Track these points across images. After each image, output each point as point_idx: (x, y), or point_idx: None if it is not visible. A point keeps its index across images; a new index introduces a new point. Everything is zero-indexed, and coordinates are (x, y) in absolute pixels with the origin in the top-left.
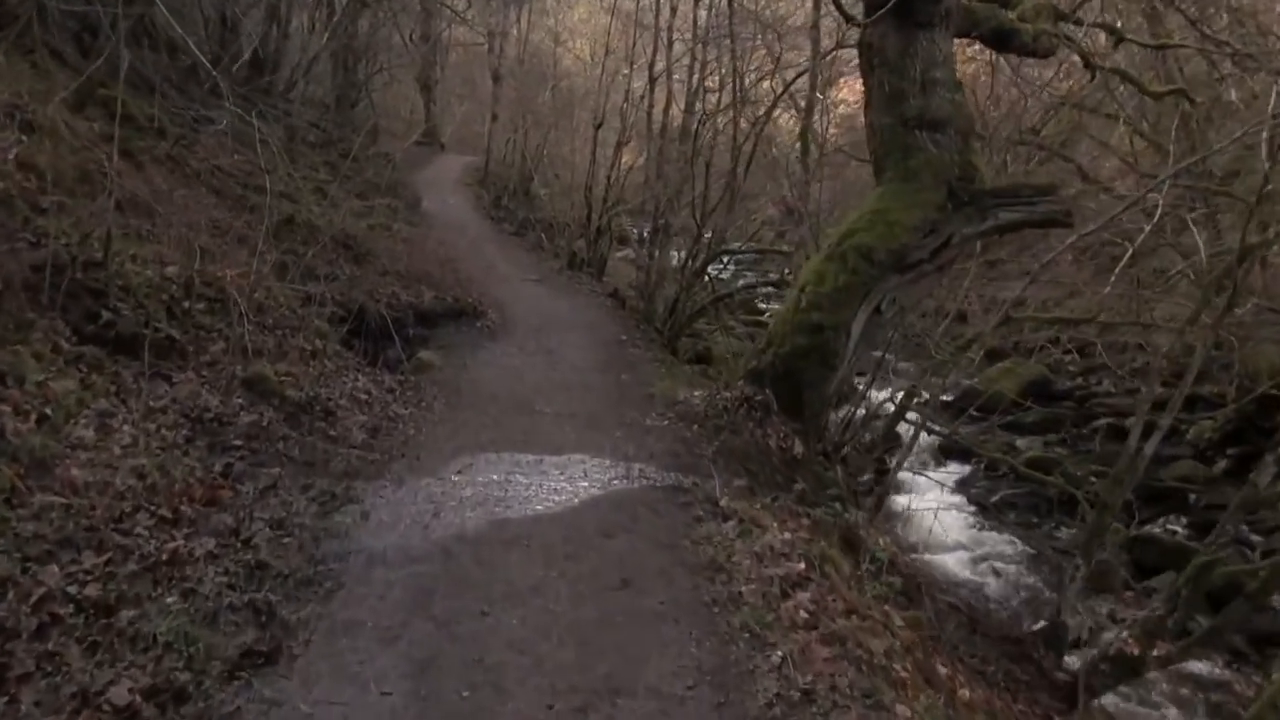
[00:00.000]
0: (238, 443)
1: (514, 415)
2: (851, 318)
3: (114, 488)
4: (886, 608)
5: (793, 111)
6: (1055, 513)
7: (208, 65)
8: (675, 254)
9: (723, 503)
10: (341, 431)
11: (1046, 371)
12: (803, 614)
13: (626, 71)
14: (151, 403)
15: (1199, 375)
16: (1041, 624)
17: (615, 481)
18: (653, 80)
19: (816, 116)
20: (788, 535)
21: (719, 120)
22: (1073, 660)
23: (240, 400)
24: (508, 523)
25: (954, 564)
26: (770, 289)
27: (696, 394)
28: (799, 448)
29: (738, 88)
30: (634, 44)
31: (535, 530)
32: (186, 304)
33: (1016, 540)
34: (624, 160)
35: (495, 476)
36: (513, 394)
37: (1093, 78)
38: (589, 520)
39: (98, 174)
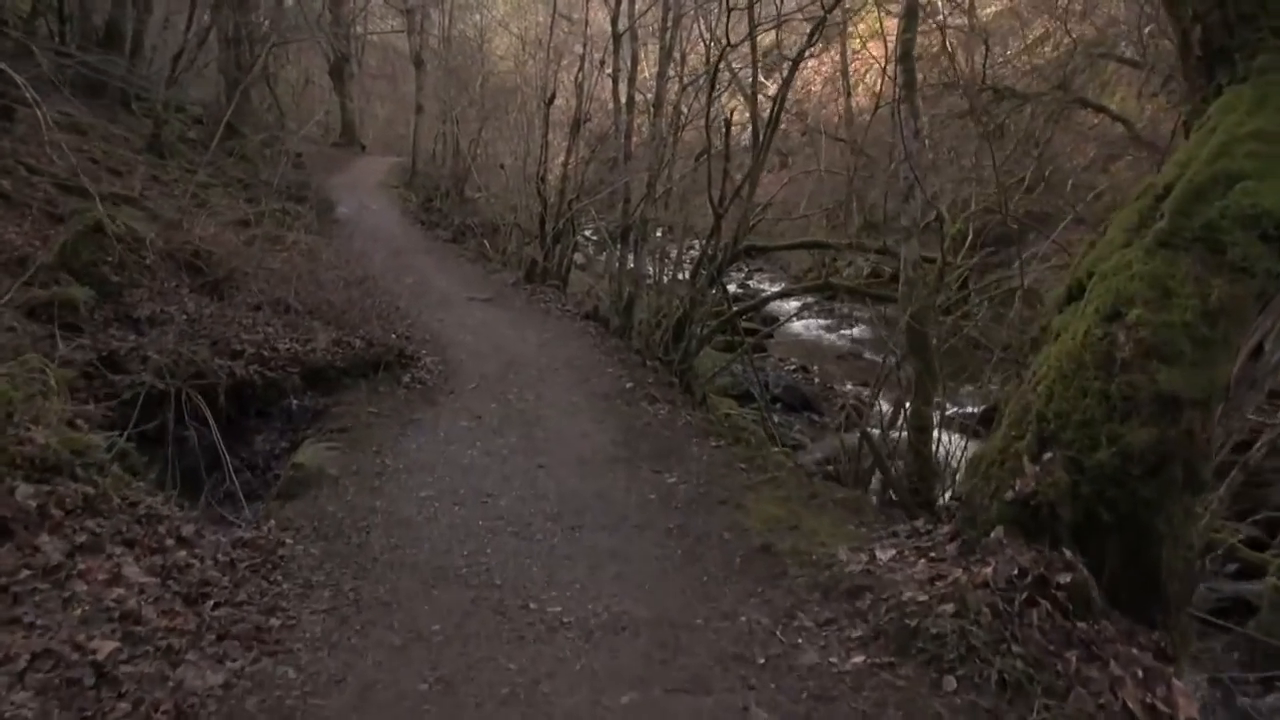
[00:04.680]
0: None
1: (500, 640)
2: (1231, 370)
3: None
4: None
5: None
6: None
7: None
8: (652, 257)
9: None
10: None
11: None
12: None
13: (581, 36)
14: None
15: None
16: None
17: None
18: (617, 39)
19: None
20: None
21: (724, 72)
22: None
23: None
24: None
25: None
26: (810, 297)
27: (886, 555)
28: (1187, 707)
29: (754, 18)
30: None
31: None
32: None
33: None
34: (584, 143)
35: None
36: (479, 559)
37: None
38: None
39: None
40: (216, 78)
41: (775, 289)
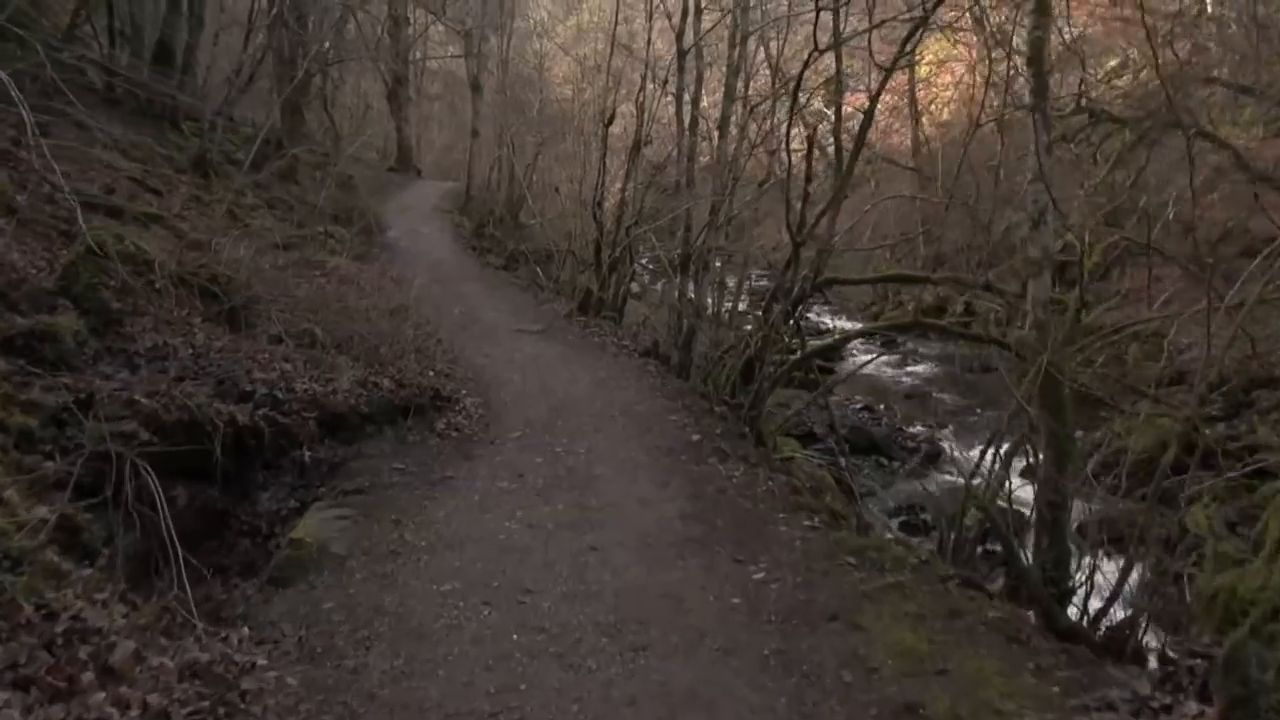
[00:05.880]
0: None
1: None
2: None
3: None
4: None
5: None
6: None
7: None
8: (712, 288)
9: None
10: None
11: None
12: None
13: (643, 44)
14: None
15: None
16: None
17: None
18: (681, 56)
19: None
20: None
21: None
22: None
23: None
24: None
25: None
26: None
27: None
28: None
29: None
30: (651, 13)
31: None
32: None
33: None
34: (643, 167)
35: None
36: (509, 701)
37: None
38: None
39: None
40: (270, 98)
41: (844, 325)
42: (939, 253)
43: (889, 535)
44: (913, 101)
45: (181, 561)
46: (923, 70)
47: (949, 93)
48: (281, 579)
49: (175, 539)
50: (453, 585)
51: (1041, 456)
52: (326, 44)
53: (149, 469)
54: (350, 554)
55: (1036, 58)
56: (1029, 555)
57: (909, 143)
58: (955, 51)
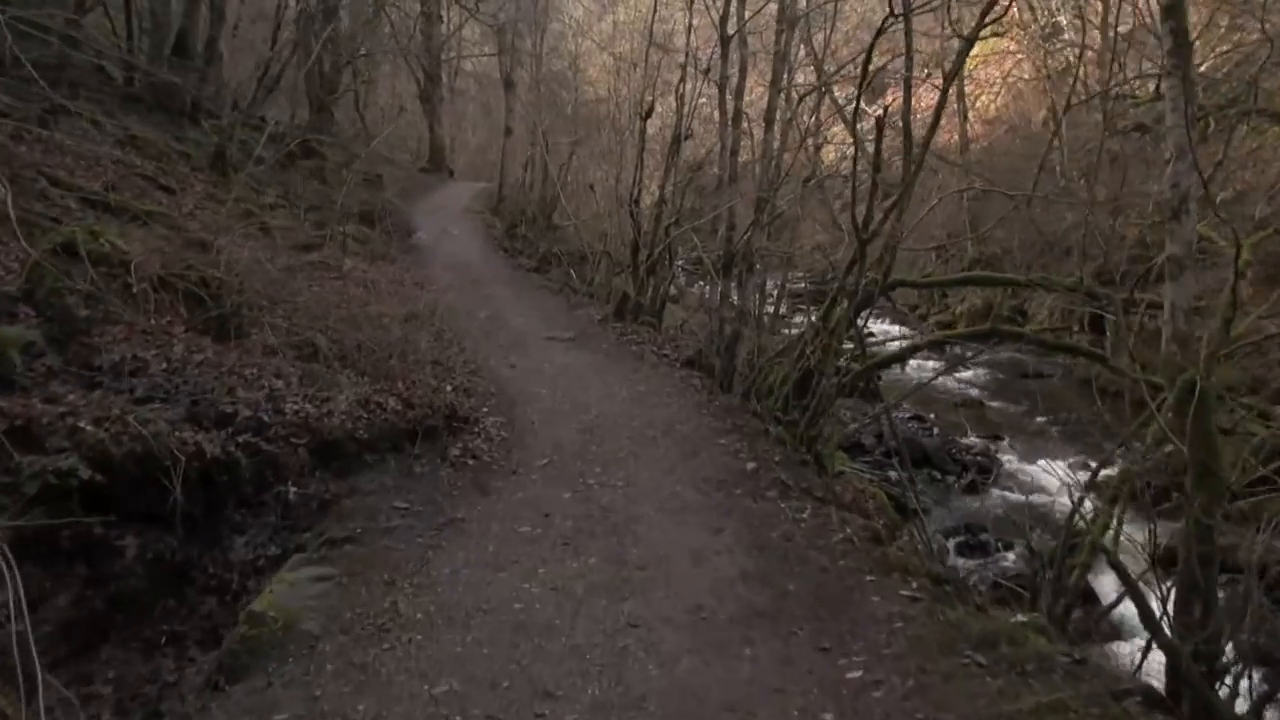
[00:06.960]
0: None
1: None
2: None
3: None
4: None
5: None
6: None
7: None
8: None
9: None
10: None
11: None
12: None
13: (685, 29)
14: None
15: None
16: None
17: None
18: (725, 43)
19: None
20: None
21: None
22: None
23: None
24: None
25: None
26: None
27: None
28: None
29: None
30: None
31: None
32: None
33: None
34: (682, 162)
35: None
36: None
37: None
38: None
39: None
40: (296, 95)
41: (888, 328)
42: (985, 253)
43: (1020, 618)
44: (960, 96)
45: (40, 690)
46: (970, 64)
47: (996, 86)
48: (234, 668)
49: (37, 661)
50: (450, 684)
51: (1191, 499)
52: (359, 39)
53: (8, 554)
54: (325, 633)
55: (1177, 8)
56: (1170, 621)
57: (955, 139)
58: (1004, 44)
